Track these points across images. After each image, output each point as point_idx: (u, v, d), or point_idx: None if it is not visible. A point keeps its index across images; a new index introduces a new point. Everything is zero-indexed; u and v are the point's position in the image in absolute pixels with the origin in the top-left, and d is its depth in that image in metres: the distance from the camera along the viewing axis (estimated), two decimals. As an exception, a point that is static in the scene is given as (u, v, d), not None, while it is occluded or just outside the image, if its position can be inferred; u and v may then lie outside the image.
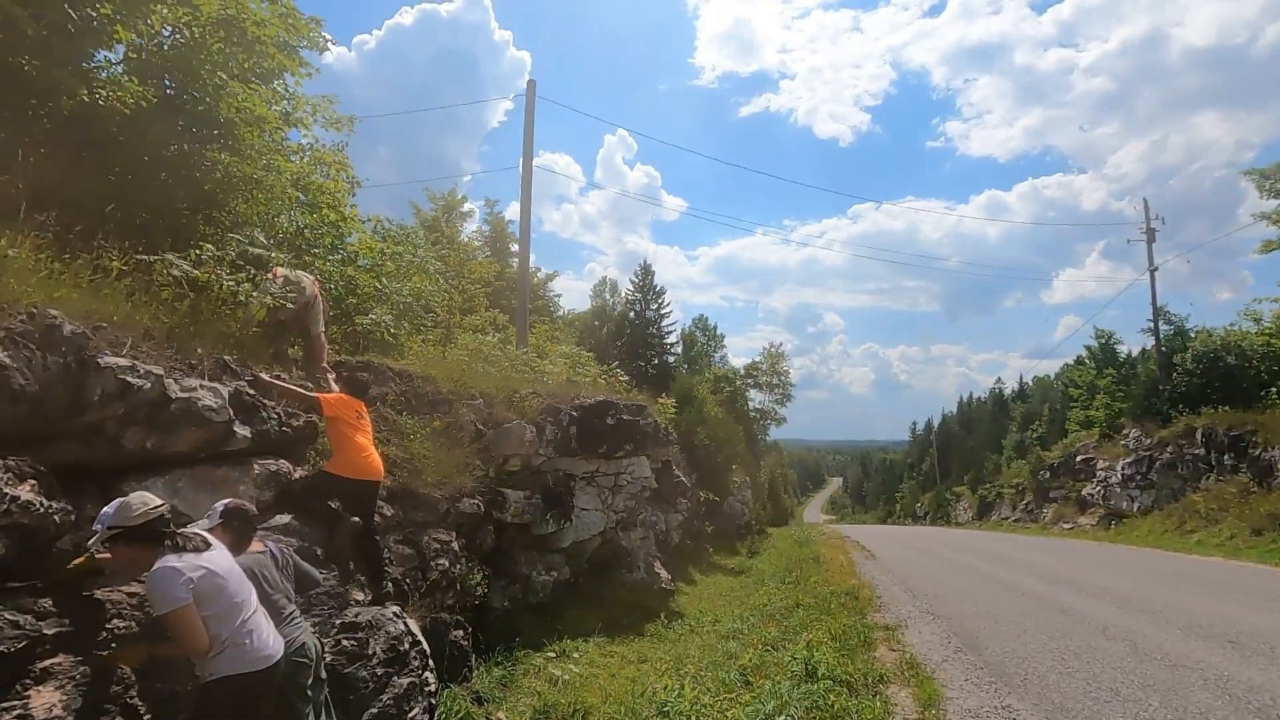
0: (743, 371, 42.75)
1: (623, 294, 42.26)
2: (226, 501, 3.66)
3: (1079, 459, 27.96)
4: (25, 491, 2.91)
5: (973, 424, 68.76)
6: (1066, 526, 25.96)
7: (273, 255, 6.26)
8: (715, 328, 50.80)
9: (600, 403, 10.57)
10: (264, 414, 4.70)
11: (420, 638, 5.33)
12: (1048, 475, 30.46)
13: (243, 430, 4.41)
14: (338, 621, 4.48)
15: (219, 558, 2.97)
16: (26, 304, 3.50)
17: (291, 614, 3.70)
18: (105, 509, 2.85)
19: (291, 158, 10.51)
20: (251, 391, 4.68)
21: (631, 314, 39.44)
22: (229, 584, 2.92)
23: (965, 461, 57.96)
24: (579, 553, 10.09)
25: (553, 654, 7.48)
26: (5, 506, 2.79)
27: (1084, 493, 26.63)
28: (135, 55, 7.37)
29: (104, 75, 6.64)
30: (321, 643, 4.42)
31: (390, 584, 5.66)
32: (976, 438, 61.67)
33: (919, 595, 10.80)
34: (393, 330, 10.13)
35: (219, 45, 8.38)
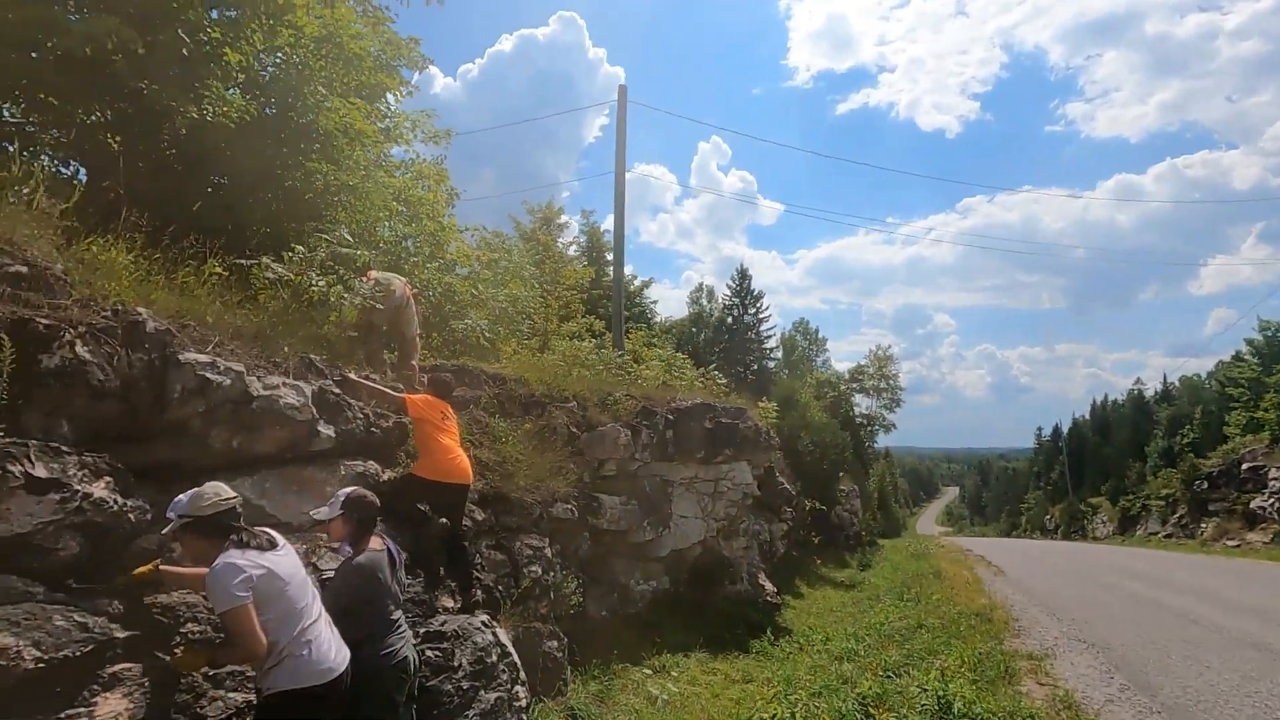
0: (847, 376, 40.96)
1: (720, 299, 41.69)
2: (348, 490, 3.49)
3: (1244, 467, 24.54)
4: (99, 489, 2.82)
5: (1109, 429, 62.64)
6: (1232, 544, 22.75)
7: (360, 253, 6.25)
8: (816, 331, 49.12)
9: (698, 405, 10.11)
10: (349, 414, 4.58)
11: (510, 649, 5.06)
12: (1205, 486, 26.95)
13: (327, 430, 4.29)
14: (422, 630, 4.26)
15: (282, 560, 2.76)
16: (114, 301, 3.50)
17: (398, 623, 3.49)
18: (179, 497, 2.71)
19: (395, 174, 10.81)
20: (336, 391, 4.57)
21: (729, 319, 38.80)
22: (290, 588, 2.70)
23: (1102, 470, 52.82)
24: (678, 562, 9.64)
25: (651, 669, 7.06)
26: (78, 504, 2.70)
27: (1252, 505, 23.28)
28: (241, 74, 7.69)
29: (211, 93, 6.91)
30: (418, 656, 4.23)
31: (481, 591, 5.45)
32: (1114, 444, 56.18)
33: (1064, 619, 9.53)
34: (488, 334, 10.15)
35: (320, 63, 8.67)
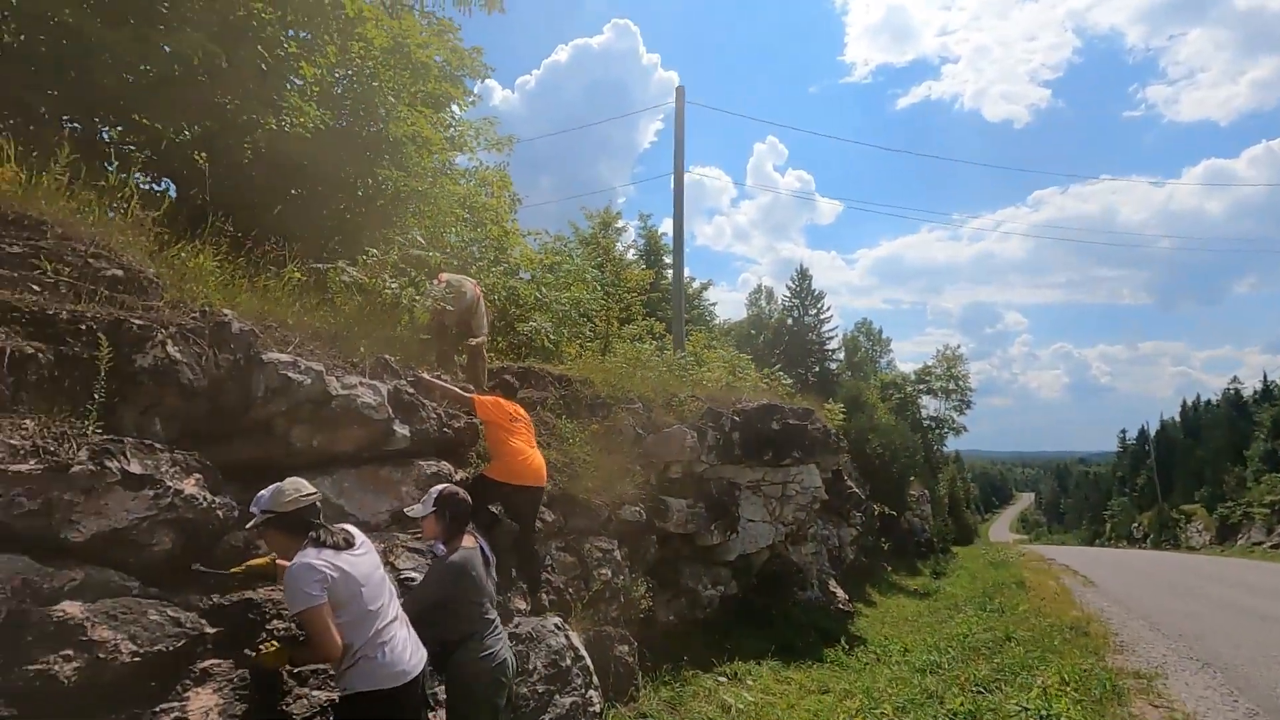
0: (913, 377, 39.60)
1: (779, 301, 41.07)
2: (441, 487, 3.45)
3: (1366, 471, 22.42)
4: (190, 486, 2.86)
5: (1202, 432, 58.53)
6: (1354, 556, 20.82)
7: (431, 254, 6.32)
8: (880, 332, 47.78)
9: (764, 406, 9.86)
10: (423, 414, 4.60)
11: (583, 652, 4.97)
12: (1318, 492, 24.78)
13: (402, 430, 4.30)
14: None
15: (359, 559, 2.72)
16: (201, 303, 3.59)
17: (495, 623, 3.43)
18: (261, 493, 2.71)
19: (460, 181, 11.00)
20: (411, 391, 4.59)
21: (789, 320, 38.14)
22: (365, 589, 2.66)
23: (1194, 475, 49.40)
24: (747, 567, 9.40)
25: (724, 676, 6.87)
26: (170, 500, 2.73)
27: (1378, 514, 21.25)
28: (316, 87, 7.94)
29: (288, 105, 7.15)
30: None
31: (551, 593, 5.40)
32: (1208, 447, 52.44)
33: (1170, 635, 8.83)
34: (552, 337, 10.19)
35: (389, 73, 8.88)
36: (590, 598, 5.88)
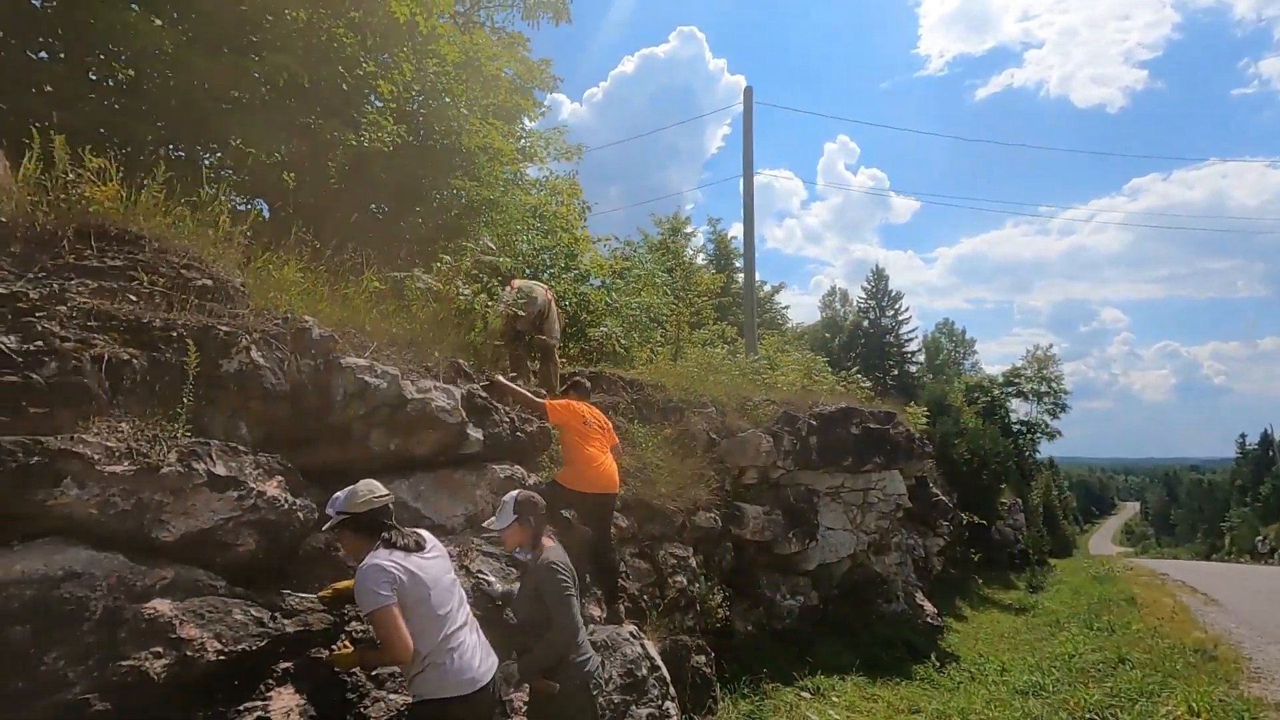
0: (1001, 379, 37.56)
1: (854, 303, 39.92)
2: (515, 494, 3.36)
3: None
4: (272, 487, 2.91)
5: (1338, 435, 52.86)
6: None
7: (502, 259, 6.37)
8: (963, 332, 45.71)
9: (842, 410, 9.48)
10: (496, 417, 4.60)
11: (659, 662, 4.84)
12: None
13: (475, 433, 4.31)
14: (572, 639, 4.13)
15: (429, 563, 2.69)
16: (284, 311, 3.69)
17: (584, 639, 3.34)
18: (336, 495, 2.72)
19: (531, 191, 11.17)
20: (484, 395, 4.60)
21: (865, 322, 36.98)
22: (433, 593, 2.62)
23: (1330, 484, 44.54)
24: (827, 576, 9.04)
25: (805, 691, 6.59)
26: (253, 501, 2.79)
27: None
28: (393, 103, 8.22)
29: (367, 120, 7.42)
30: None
31: (626, 600, 5.29)
32: (1347, 453, 47.26)
33: (1314, 662, 7.89)
34: (623, 342, 10.15)
35: (461, 87, 9.10)
36: (665, 605, 5.75)
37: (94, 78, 6.72)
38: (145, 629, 2.32)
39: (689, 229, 26.66)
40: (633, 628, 4.90)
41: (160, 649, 2.31)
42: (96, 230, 3.35)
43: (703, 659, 5.86)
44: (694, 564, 6.43)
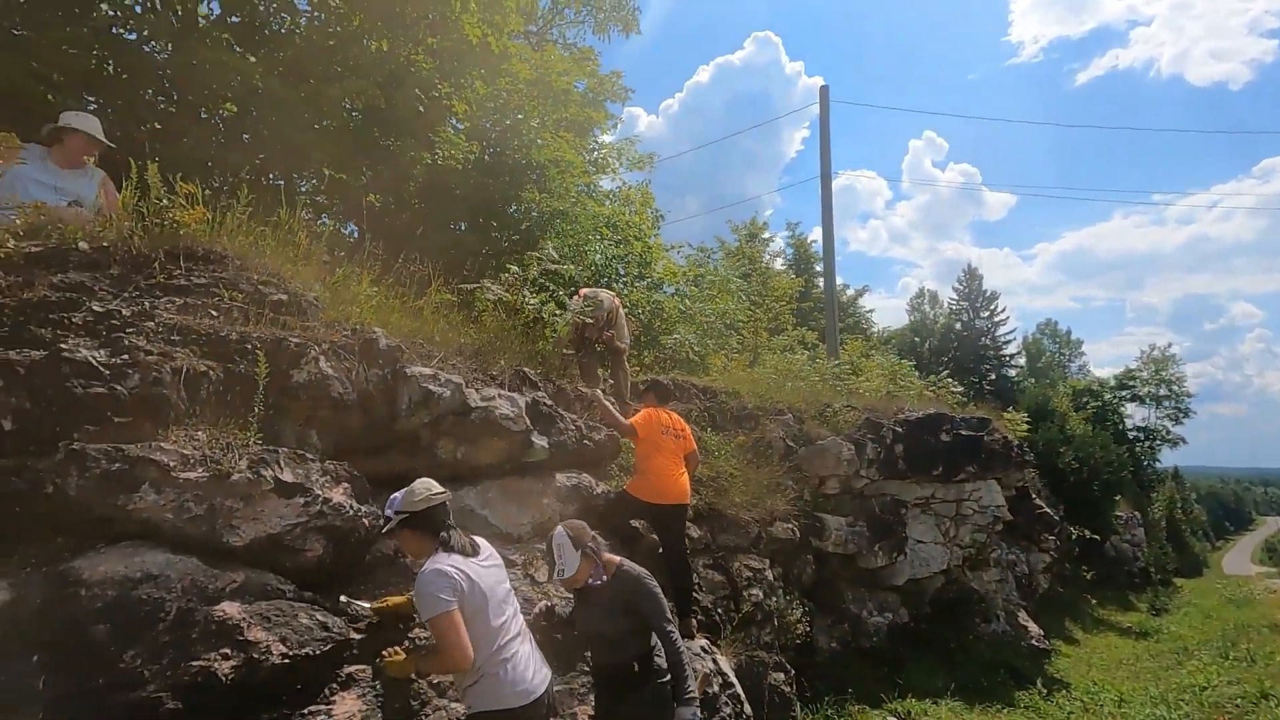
0: (1113, 382, 34.77)
1: (944, 305, 38.13)
2: (566, 534, 3.18)
3: None
4: (338, 494, 2.98)
5: None
6: None
7: (566, 267, 6.40)
8: (1068, 333, 42.74)
9: (930, 416, 8.96)
10: (561, 425, 4.58)
11: (733, 678, 4.66)
12: None
13: (540, 441, 4.30)
14: (638, 652, 4.02)
15: (485, 571, 2.66)
16: (355, 323, 3.81)
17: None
18: (394, 495, 2.74)
19: (604, 202, 11.28)
20: (549, 402, 4.60)
21: (957, 325, 35.25)
22: (490, 603, 2.58)
23: None
24: (917, 593, 8.53)
25: (895, 714, 6.20)
26: (319, 508, 2.85)
27: None
28: (466, 121, 8.47)
29: (441, 139, 7.67)
30: None
31: (699, 613, 5.13)
32: None
33: None
34: (697, 349, 10.02)
35: (533, 103, 9.29)
36: (740, 620, 5.55)
37: (204, 115, 7.28)
38: (215, 631, 2.40)
39: (766, 234, 26.25)
40: (705, 642, 4.75)
41: (228, 650, 2.38)
42: (185, 251, 3.56)
43: (781, 677, 5.61)
44: (771, 577, 6.19)
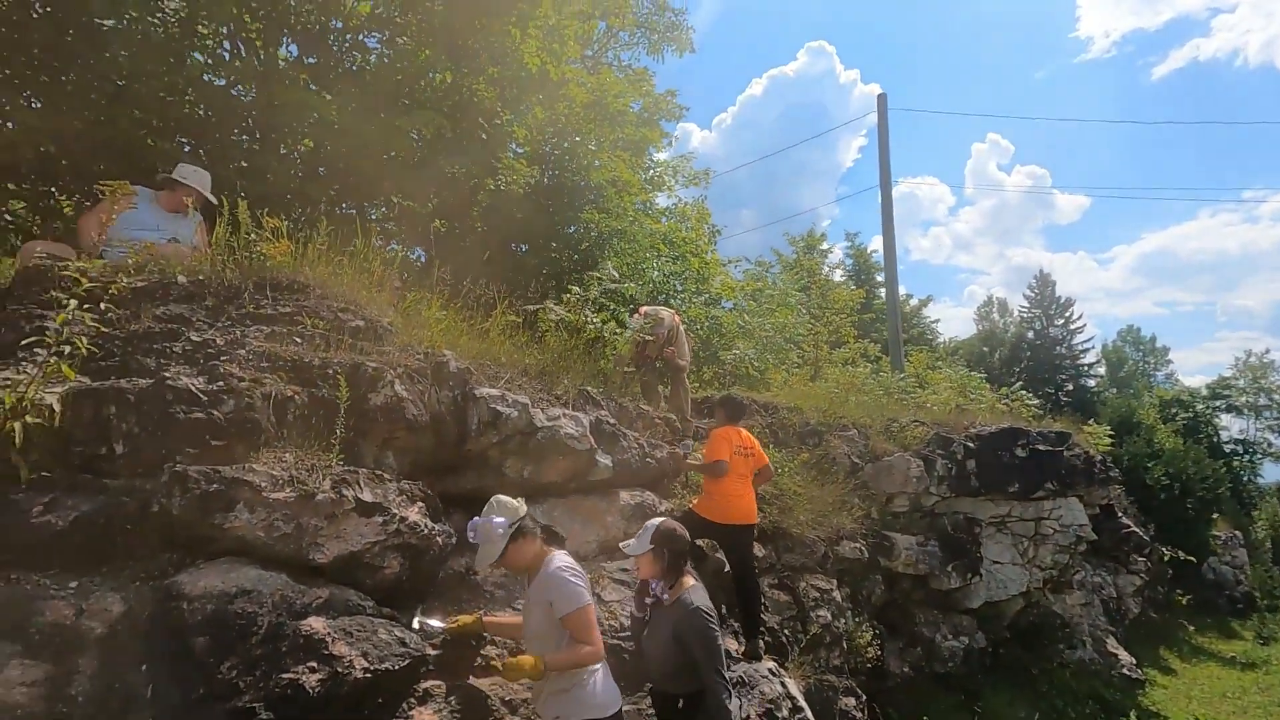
0: (1206, 392, 32.60)
1: (1015, 313, 36.70)
2: (657, 522, 3.25)
3: None
4: (414, 513, 3.08)
5: None
6: None
7: (626, 285, 6.48)
8: (1152, 340, 40.44)
9: (1004, 430, 8.61)
10: (624, 444, 4.62)
11: (802, 703, 4.56)
12: None
13: (604, 460, 4.35)
14: (706, 674, 3.98)
15: None
16: (426, 346, 3.95)
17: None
18: (481, 520, 2.82)
19: (660, 219, 11.39)
20: (612, 421, 4.65)
21: (1029, 333, 33.82)
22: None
23: None
24: (995, 616, 8.16)
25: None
26: (396, 526, 2.96)
27: None
28: (527, 146, 8.72)
29: (503, 165, 7.91)
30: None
31: (766, 634, 5.05)
32: None
33: None
34: (756, 364, 9.94)
35: (590, 126, 9.47)
36: (808, 641, 5.43)
37: (284, 151, 7.74)
38: (302, 644, 2.51)
39: (824, 245, 25.86)
40: (773, 664, 4.67)
41: (315, 664, 2.48)
42: (271, 281, 3.78)
43: (852, 701, 5.45)
44: (839, 598, 6.04)
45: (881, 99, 15.39)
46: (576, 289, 5.69)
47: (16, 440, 2.44)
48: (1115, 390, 31.86)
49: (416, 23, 7.37)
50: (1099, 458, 10.21)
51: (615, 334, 5.84)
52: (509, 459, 3.99)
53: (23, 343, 2.86)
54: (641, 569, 3.22)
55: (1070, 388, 31.09)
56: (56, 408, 2.56)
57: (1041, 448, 8.66)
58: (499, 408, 3.76)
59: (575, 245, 8.24)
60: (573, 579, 2.66)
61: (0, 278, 3.47)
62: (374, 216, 8.76)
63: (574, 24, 9.08)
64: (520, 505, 2.88)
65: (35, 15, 5.57)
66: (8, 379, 2.67)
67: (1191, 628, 13.36)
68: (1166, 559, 13.81)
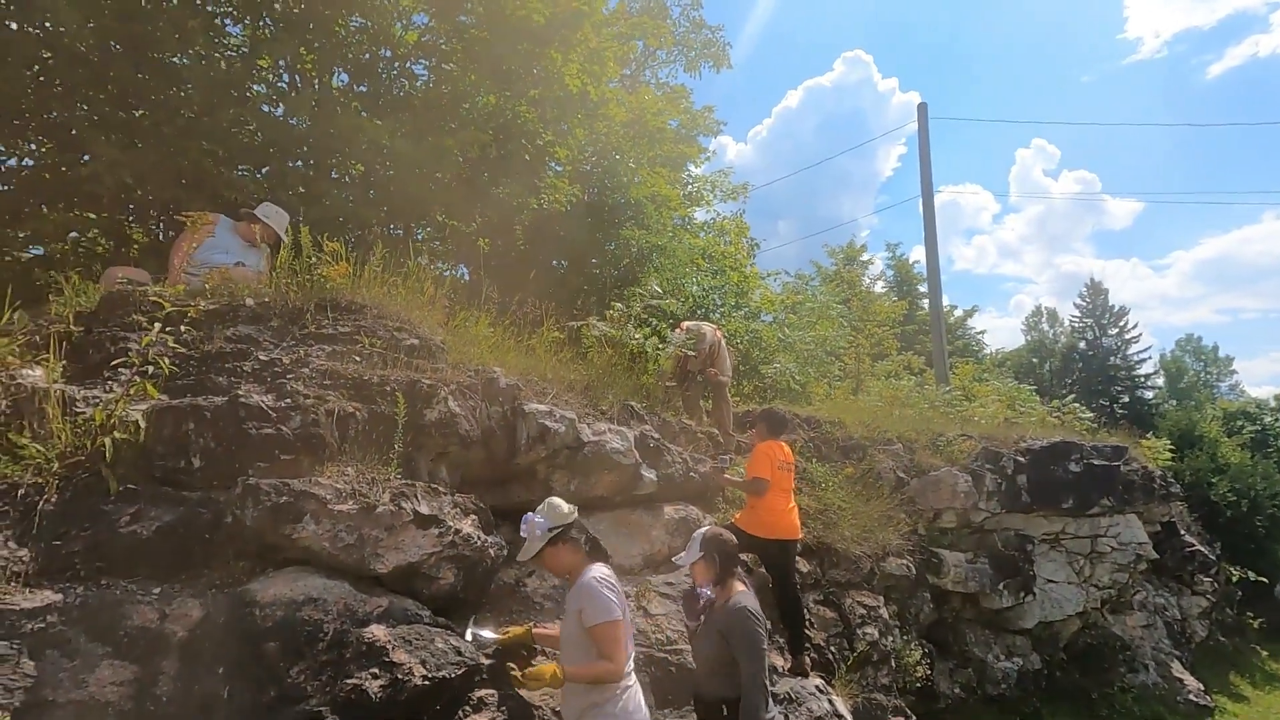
0: (1274, 403, 31.02)
1: (1065, 323, 35.63)
2: (705, 530, 3.37)
3: None
4: (467, 525, 3.18)
5: None
6: None
7: (668, 301, 6.55)
8: (1215, 350, 38.74)
9: (1057, 444, 8.37)
10: (668, 458, 4.66)
11: (850, 721, 4.50)
12: None
13: (649, 474, 4.40)
14: (752, 689, 3.98)
15: None
16: (476, 363, 4.08)
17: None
18: (534, 518, 2.87)
19: (699, 234, 11.47)
20: (656, 435, 4.70)
21: (1081, 344, 32.76)
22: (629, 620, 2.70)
23: None
24: (1050, 637, 7.90)
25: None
26: (451, 538, 3.06)
27: None
28: (568, 166, 8.90)
29: (545, 185, 8.10)
30: None
31: (812, 650, 5.01)
32: None
33: None
34: (798, 378, 9.89)
35: (629, 144, 9.62)
36: (856, 660, 5.36)
37: (337, 175, 8.08)
38: (365, 651, 2.62)
39: (864, 256, 25.58)
40: (819, 681, 4.63)
41: (377, 670, 2.59)
42: (331, 303, 3.97)
43: (901, 721, 5.35)
44: (886, 615, 5.95)
45: (922, 108, 15.25)
46: (619, 305, 5.79)
47: (107, 454, 2.62)
48: (1175, 402, 30.59)
49: (462, 49, 7.63)
50: (1159, 473, 9.84)
51: (658, 349, 5.91)
52: (556, 473, 4.08)
53: (109, 363, 3.07)
54: (696, 576, 3.32)
55: (1126, 400, 29.95)
56: (142, 424, 2.74)
57: (1096, 462, 8.39)
58: (547, 423, 3.86)
59: (616, 261, 8.36)
60: (605, 591, 2.65)
61: (86, 302, 3.71)
62: (421, 237, 9.05)
63: (613, 45, 9.28)
64: (569, 512, 2.91)
65: (114, 55, 5.96)
66: (97, 397, 2.87)
67: (1265, 652, 12.66)
68: (1235, 579, 13.13)
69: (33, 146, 6.27)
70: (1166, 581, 10.57)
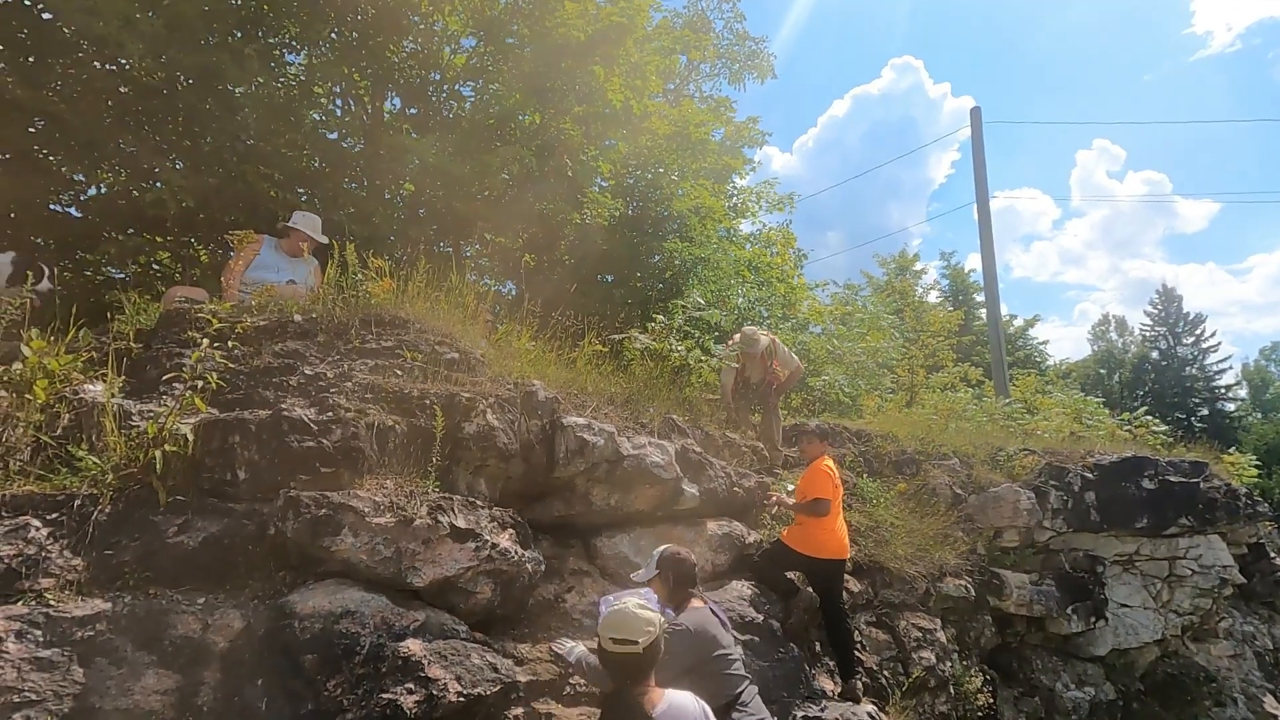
0: (1375, 415, 28.83)
1: (1135, 331, 33.92)
2: (663, 548, 3.34)
3: None
4: (505, 540, 3.16)
5: None
6: None
7: (711, 312, 6.45)
8: (1304, 357, 36.18)
9: (1129, 459, 7.88)
10: (710, 473, 4.56)
11: (906, 751, 4.28)
12: None
13: (690, 489, 4.31)
14: (799, 714, 3.83)
15: None
16: (516, 376, 4.08)
17: (750, 698, 3.08)
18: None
19: (745, 246, 11.36)
20: (698, 450, 4.61)
21: (1154, 353, 31.15)
22: None
23: None
24: (1126, 666, 7.40)
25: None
26: (488, 553, 3.04)
27: None
28: (611, 180, 8.95)
29: (589, 199, 8.15)
30: None
31: (864, 675, 4.80)
32: None
33: None
34: (848, 390, 9.64)
35: (672, 156, 9.62)
36: (911, 685, 5.11)
37: (387, 195, 8.32)
38: (401, 666, 2.60)
39: (917, 265, 24.93)
40: (872, 707, 4.42)
41: (412, 685, 2.57)
42: (375, 318, 4.04)
43: (963, 753, 5.07)
44: (944, 639, 5.67)
45: (975, 112, 14.82)
46: (661, 317, 5.74)
47: (158, 467, 2.70)
48: (1260, 415, 28.67)
49: (508, 70, 7.77)
50: (1243, 490, 9.15)
51: (700, 361, 5.83)
52: (595, 487, 4.03)
53: (164, 378, 3.18)
54: (656, 594, 3.25)
55: (1205, 412, 28.25)
56: (190, 437, 2.81)
57: (1173, 479, 7.86)
58: (585, 436, 3.82)
59: (659, 274, 8.33)
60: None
61: (146, 321, 3.87)
62: (468, 253, 9.22)
63: (655, 60, 9.31)
64: (655, 624, 2.40)
65: (183, 87, 6.28)
66: (151, 411, 2.97)
67: (1371, 688, 11.60)
68: (1334, 607, 12.12)
69: (109, 175, 6.65)
70: (1255, 608, 9.81)
